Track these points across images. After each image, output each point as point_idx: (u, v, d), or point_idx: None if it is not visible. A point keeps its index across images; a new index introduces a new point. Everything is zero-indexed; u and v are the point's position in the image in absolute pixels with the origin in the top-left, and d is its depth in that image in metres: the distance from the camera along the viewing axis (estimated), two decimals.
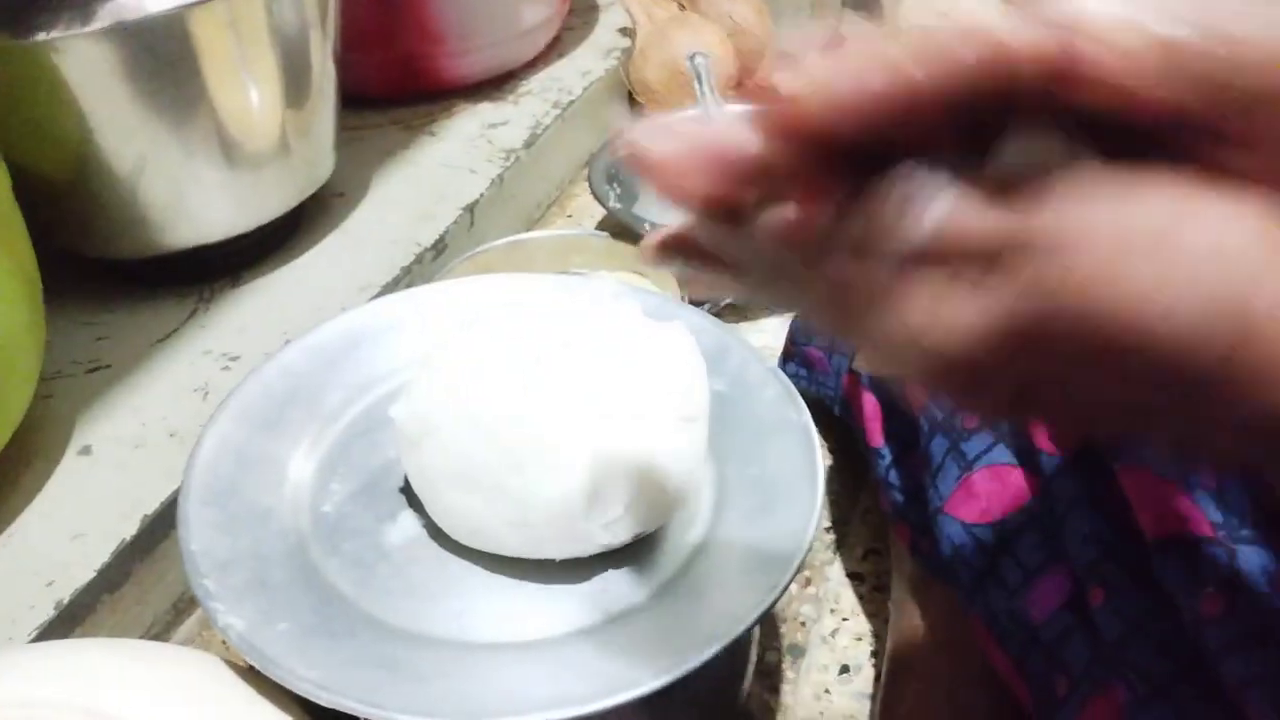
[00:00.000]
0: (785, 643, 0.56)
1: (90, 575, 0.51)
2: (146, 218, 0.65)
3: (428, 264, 0.74)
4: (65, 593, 0.50)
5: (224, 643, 0.55)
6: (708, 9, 0.96)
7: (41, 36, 0.58)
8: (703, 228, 0.27)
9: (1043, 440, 0.42)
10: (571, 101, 0.91)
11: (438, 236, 0.75)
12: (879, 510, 0.61)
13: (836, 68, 0.22)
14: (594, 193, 0.78)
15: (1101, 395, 0.22)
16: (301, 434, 0.49)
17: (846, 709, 0.52)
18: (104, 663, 0.38)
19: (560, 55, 0.98)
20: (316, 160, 0.73)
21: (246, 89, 0.65)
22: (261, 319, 0.68)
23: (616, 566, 0.43)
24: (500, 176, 0.82)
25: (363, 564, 0.43)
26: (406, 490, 0.46)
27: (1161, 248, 0.20)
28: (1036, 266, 0.21)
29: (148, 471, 0.56)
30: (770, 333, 0.74)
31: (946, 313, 0.22)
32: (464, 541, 0.43)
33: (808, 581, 0.59)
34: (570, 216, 0.91)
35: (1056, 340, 0.21)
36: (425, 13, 0.86)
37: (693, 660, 0.38)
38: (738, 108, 0.32)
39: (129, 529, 0.53)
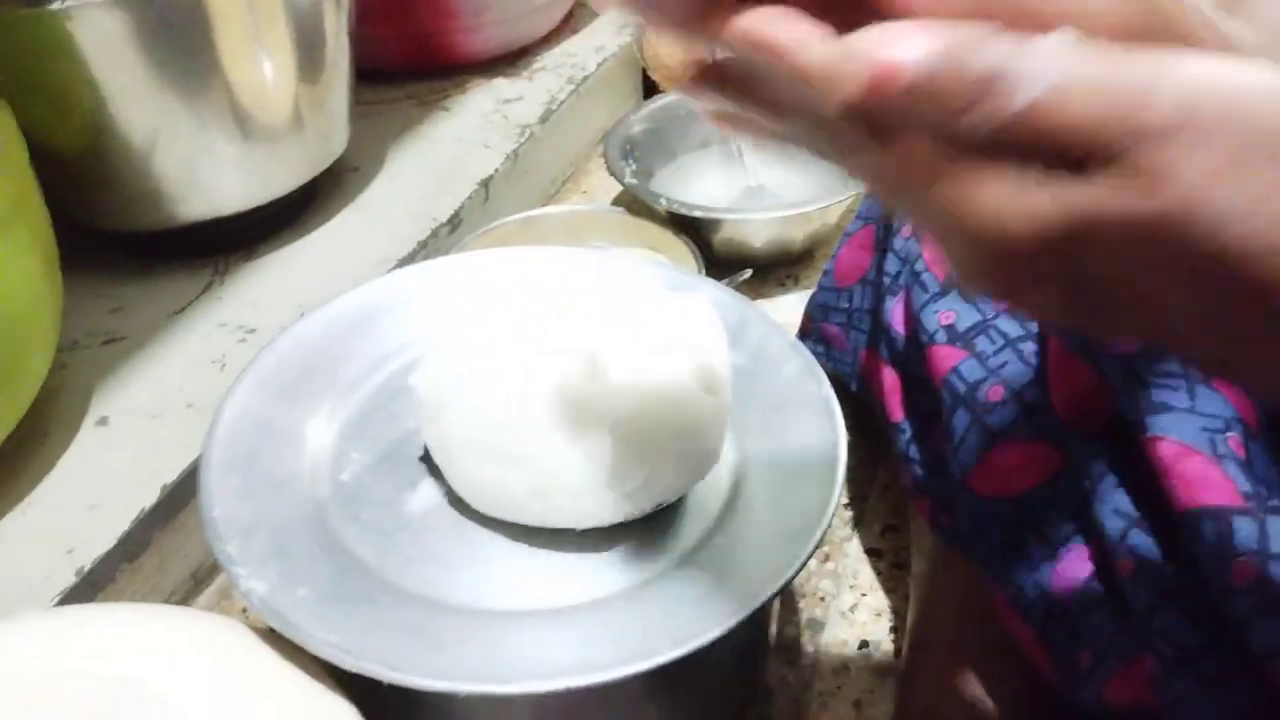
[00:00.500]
0: (804, 618, 0.55)
1: (110, 544, 0.51)
2: (161, 190, 0.65)
3: (443, 239, 0.74)
4: (85, 561, 0.50)
5: (244, 611, 0.55)
6: None
7: (56, 5, 0.58)
8: (750, 63, 0.25)
9: (1068, 414, 0.42)
10: (586, 77, 0.91)
11: (453, 212, 0.75)
12: (897, 486, 0.61)
13: None
14: (610, 168, 0.78)
15: (1161, 302, 0.21)
16: (320, 404, 0.48)
17: (865, 684, 0.52)
18: (126, 626, 0.39)
19: (574, 31, 0.98)
20: (331, 134, 0.73)
21: (261, 61, 0.65)
22: (277, 293, 0.67)
23: (636, 537, 0.43)
24: (515, 152, 0.81)
25: (382, 532, 0.43)
26: (426, 460, 0.46)
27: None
28: (1139, 162, 0.20)
29: (166, 442, 0.56)
30: (787, 309, 0.73)
31: (1018, 202, 0.21)
32: (484, 511, 0.43)
33: (826, 557, 0.59)
34: (585, 193, 0.90)
35: (1139, 244, 0.20)
36: None
37: (712, 631, 0.38)
38: None
39: (148, 498, 0.53)
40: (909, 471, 0.52)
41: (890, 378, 0.54)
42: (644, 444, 0.41)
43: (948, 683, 0.46)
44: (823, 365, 0.49)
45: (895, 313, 0.53)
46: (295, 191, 0.71)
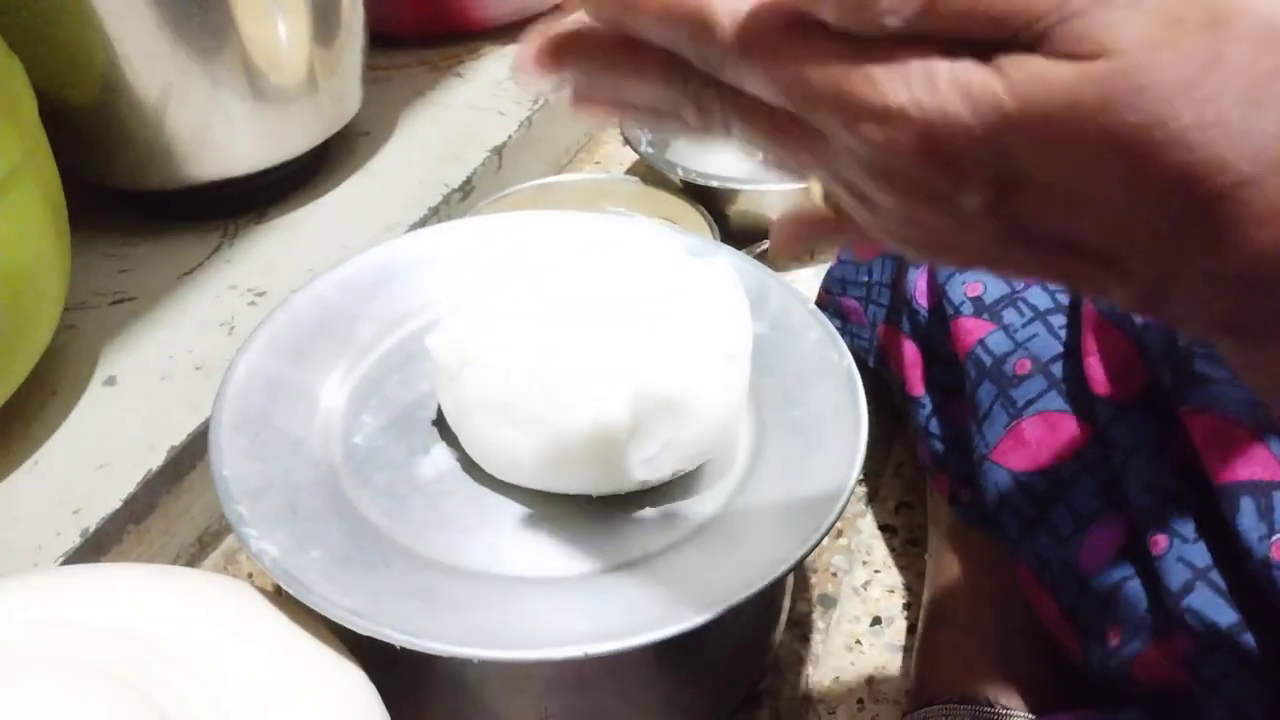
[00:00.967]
0: (816, 593, 0.55)
1: (116, 505, 0.50)
2: (172, 149, 0.64)
3: (455, 205, 0.73)
4: (91, 521, 0.49)
5: (249, 576, 0.55)
6: None
7: None
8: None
9: (1100, 386, 0.41)
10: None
11: (465, 178, 0.74)
12: (911, 464, 0.61)
13: None
14: (625, 137, 0.77)
15: (1086, 215, 0.20)
16: (333, 366, 0.48)
17: (877, 660, 0.52)
18: (133, 585, 0.38)
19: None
20: (343, 97, 0.72)
21: (275, 20, 0.64)
22: (287, 255, 0.66)
23: (653, 505, 0.42)
24: (529, 119, 0.80)
25: (395, 495, 0.42)
26: (439, 424, 0.45)
27: (1218, 47, 0.18)
28: (1074, 32, 0.19)
29: (174, 403, 0.55)
30: (803, 283, 0.72)
31: (947, 89, 0.20)
32: (499, 475, 0.43)
33: (840, 533, 0.58)
34: (599, 162, 0.89)
35: (1076, 128, 0.19)
36: None
37: (728, 602, 0.37)
38: None
39: (155, 460, 0.52)
40: (928, 447, 0.52)
41: (911, 351, 0.53)
42: (662, 412, 0.40)
43: (965, 658, 0.46)
44: None
45: (919, 285, 0.52)
46: (307, 154, 0.70)
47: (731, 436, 0.44)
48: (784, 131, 0.23)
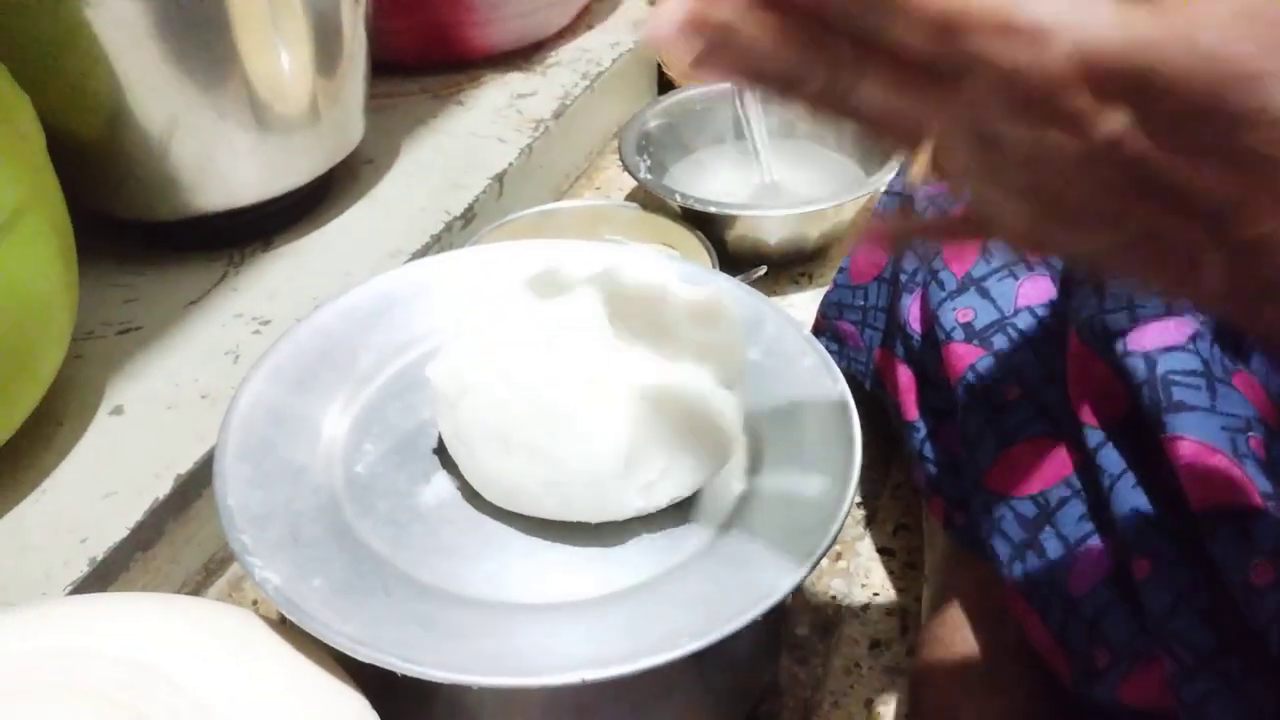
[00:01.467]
0: (815, 617, 0.55)
1: (123, 533, 0.51)
2: (177, 179, 0.65)
3: (456, 232, 0.74)
4: (98, 550, 0.50)
5: (254, 603, 0.55)
6: None
7: None
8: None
9: (1086, 414, 0.41)
10: (600, 73, 0.91)
11: (467, 205, 0.75)
12: (909, 486, 0.61)
13: None
14: (624, 163, 0.78)
15: (1212, 152, 0.22)
16: (335, 394, 0.48)
17: (877, 683, 0.52)
18: (138, 614, 0.39)
19: (589, 27, 0.97)
20: (347, 126, 0.73)
21: (278, 52, 0.65)
22: (292, 284, 0.67)
23: (651, 531, 0.43)
24: (529, 146, 0.81)
25: (396, 523, 0.43)
26: (440, 451, 0.46)
27: None
28: None
29: (180, 432, 0.56)
30: (801, 307, 0.73)
31: (1088, 12, 0.22)
32: (499, 503, 0.43)
33: (838, 556, 0.58)
34: (599, 188, 0.90)
35: (1206, 52, 0.21)
36: None
37: (726, 627, 0.38)
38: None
39: (162, 488, 0.53)
40: (922, 471, 0.52)
41: (905, 376, 0.54)
42: (660, 438, 0.41)
43: (960, 682, 0.46)
44: (836, 363, 0.49)
45: (912, 310, 0.53)
46: (311, 183, 0.71)
47: (727, 463, 0.45)
48: (913, 83, 0.24)
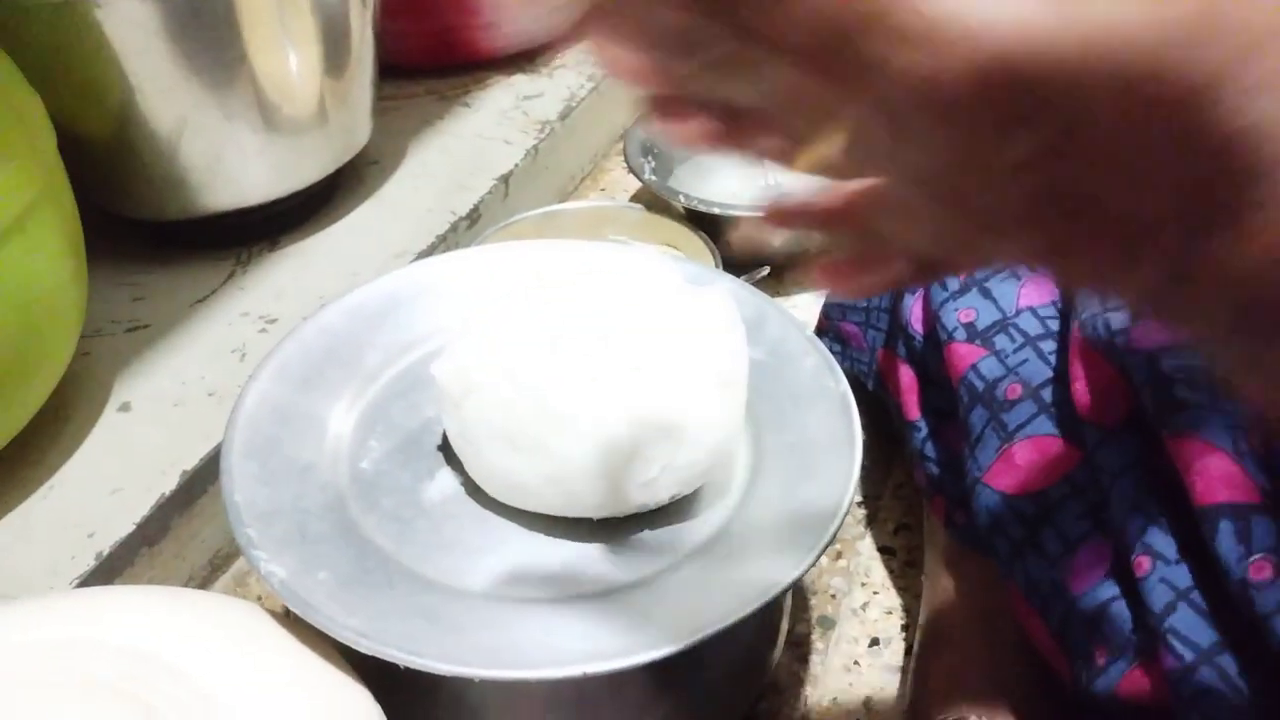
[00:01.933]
0: (815, 614, 0.56)
1: (130, 528, 0.51)
2: (186, 179, 0.65)
3: (462, 233, 0.74)
4: (105, 544, 0.50)
5: (259, 598, 0.56)
6: None
7: None
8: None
9: (1087, 412, 0.42)
10: (606, 75, 0.91)
11: (472, 206, 0.75)
12: (910, 486, 0.61)
13: None
14: (629, 165, 0.78)
15: (1125, 175, 0.20)
16: (341, 392, 0.49)
17: (876, 681, 0.52)
18: (144, 606, 0.39)
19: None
20: (354, 128, 0.73)
21: (287, 54, 0.65)
22: (298, 283, 0.68)
23: (652, 527, 0.43)
24: (535, 148, 0.82)
25: (401, 519, 0.43)
26: (445, 449, 0.46)
27: None
28: None
29: (187, 429, 0.57)
30: (803, 308, 0.74)
31: (993, 23, 0.19)
32: (502, 499, 0.44)
33: (839, 555, 0.59)
34: (604, 190, 0.90)
35: (1123, 68, 0.19)
36: None
37: (725, 622, 0.38)
38: None
39: (168, 484, 0.53)
40: (924, 470, 0.53)
41: (907, 376, 0.54)
42: (661, 437, 0.41)
43: (958, 680, 0.46)
44: (839, 364, 0.49)
45: (914, 311, 0.53)
46: (318, 184, 0.71)
47: (729, 460, 0.45)
48: (823, 71, 0.21)
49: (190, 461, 0.55)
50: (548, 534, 0.43)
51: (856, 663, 0.53)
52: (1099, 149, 0.20)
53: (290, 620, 0.40)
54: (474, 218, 0.75)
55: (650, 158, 0.80)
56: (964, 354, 0.48)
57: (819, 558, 0.40)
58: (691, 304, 0.45)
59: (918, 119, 0.21)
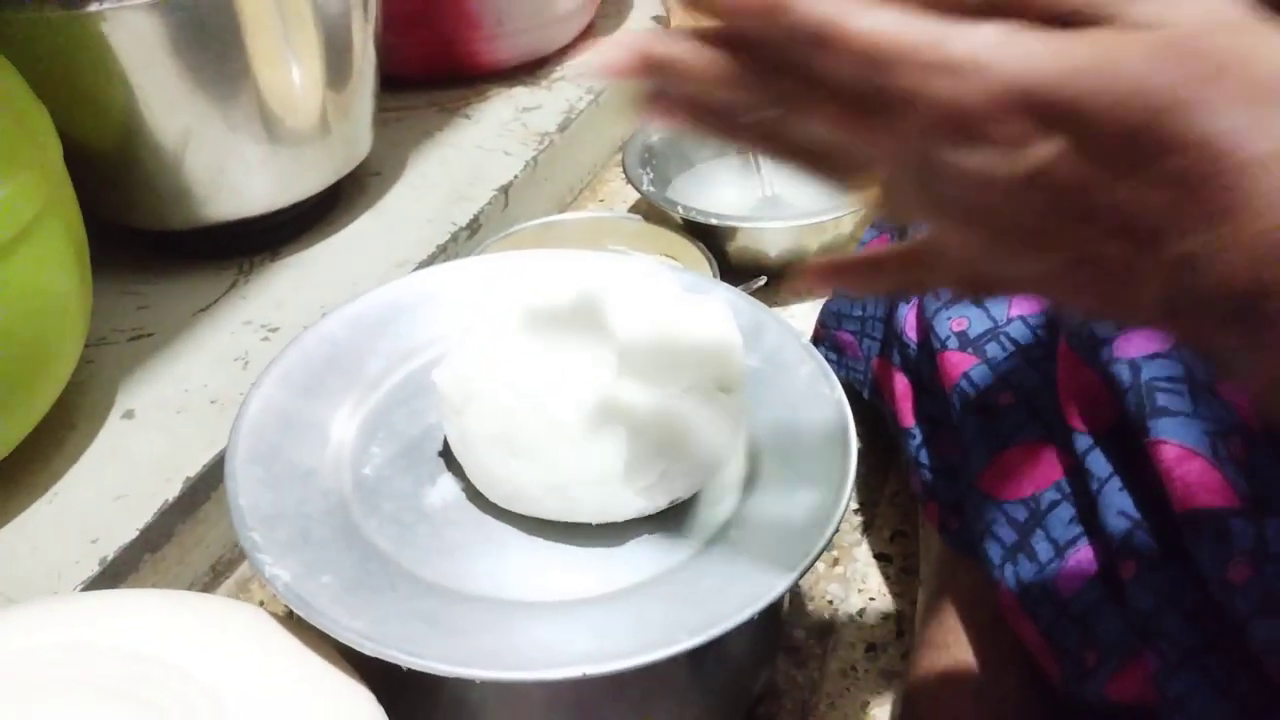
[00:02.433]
0: (812, 620, 0.56)
1: (133, 534, 0.52)
2: (190, 190, 0.66)
3: (462, 243, 0.75)
4: (109, 550, 0.51)
5: (261, 604, 0.56)
6: None
7: (93, 7, 0.59)
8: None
9: (1075, 419, 0.42)
10: (604, 88, 0.92)
11: (472, 216, 0.76)
12: (906, 494, 0.62)
13: None
14: (628, 176, 0.79)
15: (1132, 180, 0.23)
16: (343, 399, 0.50)
17: (873, 686, 0.53)
18: (150, 610, 0.40)
19: (594, 42, 0.99)
20: (355, 139, 0.74)
21: (289, 66, 0.66)
22: (300, 293, 0.69)
23: (651, 532, 0.44)
24: (534, 159, 0.83)
25: (402, 524, 0.44)
26: (446, 454, 0.47)
27: (1246, 51, 0.23)
28: (1125, 20, 0.23)
29: (190, 436, 0.57)
30: (800, 317, 0.74)
31: (1014, 47, 0.24)
32: (502, 504, 0.44)
33: (835, 561, 0.59)
34: (602, 201, 0.91)
35: (1125, 85, 0.22)
36: None
37: (723, 624, 0.39)
38: None
39: (171, 491, 0.54)
40: (918, 476, 0.53)
41: (902, 384, 0.55)
42: (660, 442, 0.42)
43: (954, 686, 0.47)
44: (835, 372, 0.50)
45: (908, 319, 0.54)
46: (319, 194, 0.72)
47: (725, 466, 0.46)
48: (852, 117, 0.26)
49: (193, 468, 0.55)
50: (547, 538, 0.44)
51: (853, 668, 0.54)
52: (1100, 159, 0.23)
53: (293, 623, 0.40)
54: (474, 228, 0.76)
55: (648, 169, 0.81)
56: (956, 362, 0.49)
57: (815, 562, 0.41)
58: (689, 312, 0.45)
59: (945, 140, 0.24)
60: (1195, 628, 0.35)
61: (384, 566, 0.42)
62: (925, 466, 0.53)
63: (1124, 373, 0.39)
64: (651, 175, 0.81)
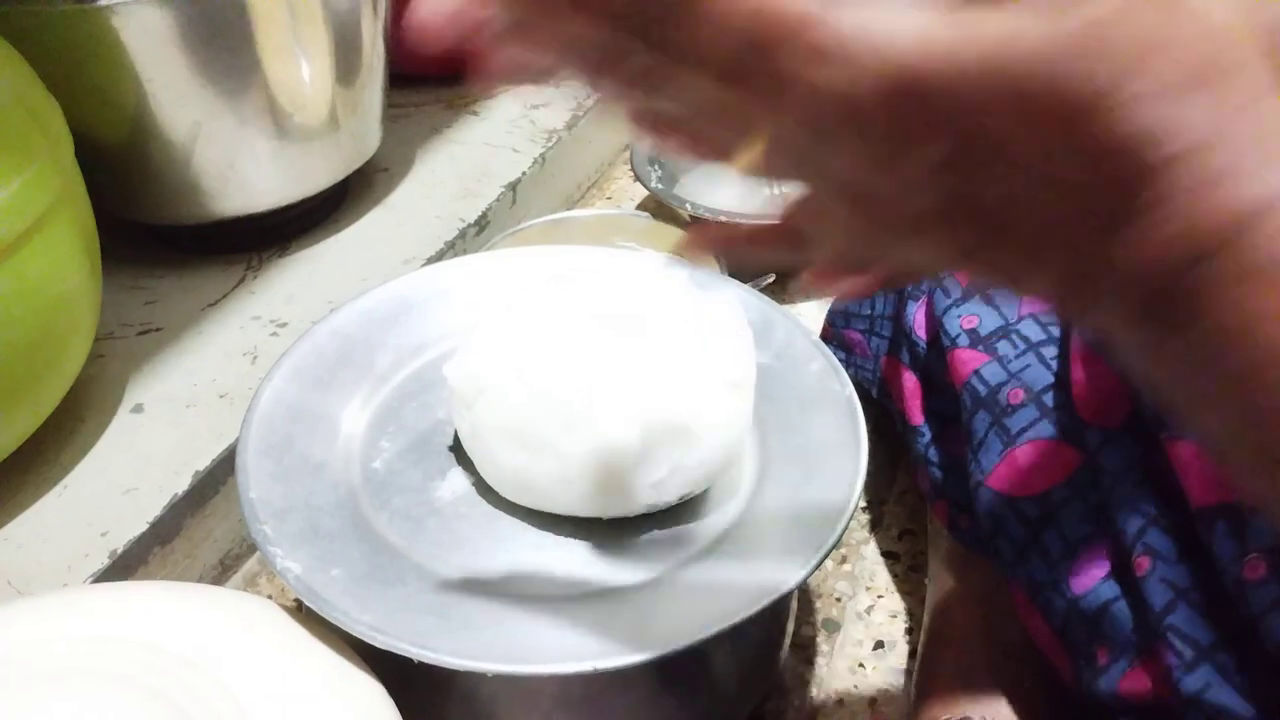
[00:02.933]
0: (820, 618, 0.56)
1: (142, 528, 0.52)
2: (199, 185, 0.66)
3: (470, 240, 0.75)
4: (118, 543, 0.51)
5: (269, 598, 0.56)
6: None
7: (104, 1, 0.60)
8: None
9: (1088, 415, 0.42)
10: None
11: (480, 213, 0.76)
12: (914, 492, 0.62)
13: None
14: (635, 173, 0.79)
15: (1027, 179, 0.21)
16: (353, 393, 0.50)
17: (880, 683, 0.53)
18: (162, 602, 0.40)
19: None
20: (364, 135, 0.74)
21: (299, 62, 0.66)
22: (308, 288, 0.69)
23: (661, 527, 0.44)
24: (542, 156, 0.83)
25: (412, 518, 0.44)
26: (456, 449, 0.47)
27: (1170, 30, 0.20)
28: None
29: (199, 430, 0.57)
30: (808, 316, 0.74)
31: (899, 36, 0.20)
32: (513, 499, 0.44)
33: (844, 559, 0.59)
34: (610, 198, 0.91)
35: (1022, 82, 0.20)
36: None
37: (731, 620, 0.38)
38: None
39: (180, 484, 0.54)
40: (927, 474, 0.53)
41: (911, 382, 0.55)
42: (670, 438, 0.42)
43: (961, 681, 0.47)
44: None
45: (917, 317, 0.54)
46: (328, 190, 0.72)
47: (736, 462, 0.46)
48: (738, 84, 0.22)
49: (202, 462, 0.55)
50: (557, 533, 0.44)
51: (861, 665, 0.54)
52: (1001, 155, 0.21)
53: (303, 615, 0.40)
54: (482, 224, 0.76)
55: (656, 166, 0.81)
56: (967, 359, 0.49)
57: (824, 559, 0.41)
58: (700, 308, 0.45)
59: (832, 129, 0.22)
60: (1210, 624, 0.34)
61: (394, 560, 0.42)
62: (934, 464, 0.53)
63: None
64: (660, 172, 0.81)
